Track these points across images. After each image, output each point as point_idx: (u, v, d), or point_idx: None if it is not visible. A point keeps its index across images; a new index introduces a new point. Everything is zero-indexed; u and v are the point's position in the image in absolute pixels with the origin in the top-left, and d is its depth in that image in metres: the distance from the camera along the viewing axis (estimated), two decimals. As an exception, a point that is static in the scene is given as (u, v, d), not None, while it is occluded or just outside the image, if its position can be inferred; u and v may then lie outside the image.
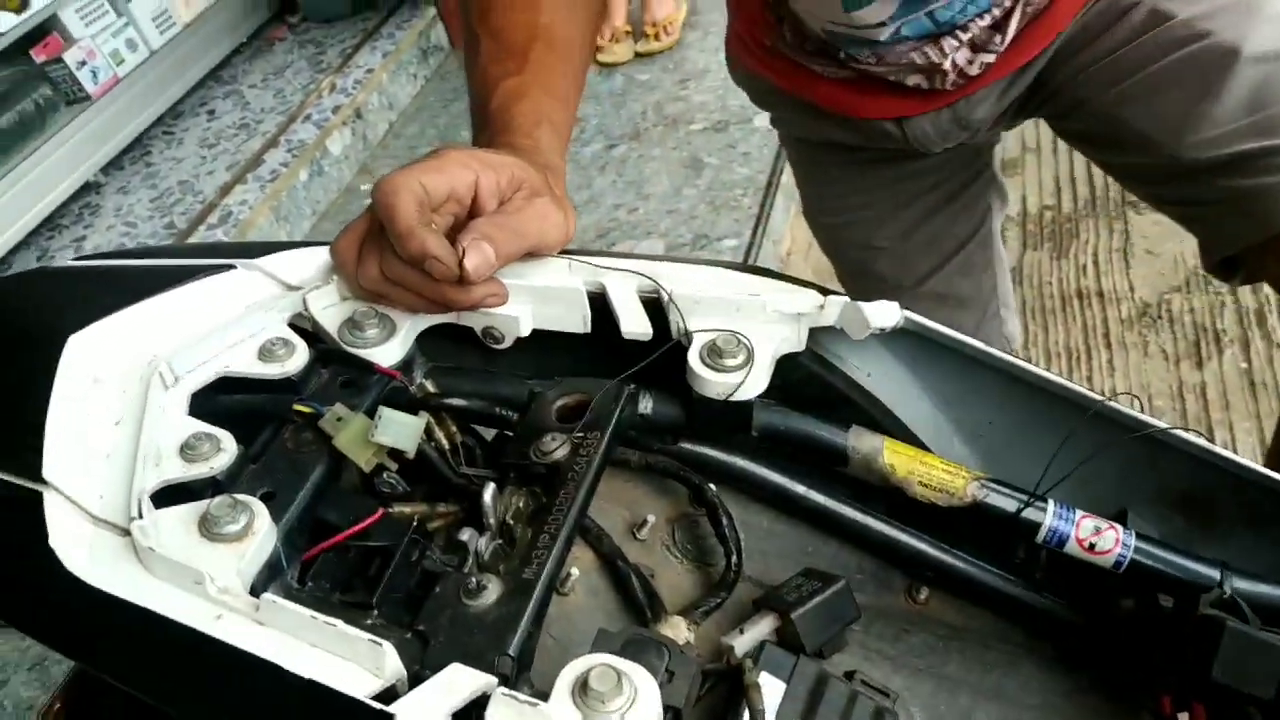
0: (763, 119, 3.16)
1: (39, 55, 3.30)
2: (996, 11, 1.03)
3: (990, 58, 1.06)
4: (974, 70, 1.07)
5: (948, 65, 1.06)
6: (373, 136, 3.66)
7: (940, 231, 1.37)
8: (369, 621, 0.57)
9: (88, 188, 3.43)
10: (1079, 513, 0.69)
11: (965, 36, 1.05)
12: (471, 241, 0.66)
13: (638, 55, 3.76)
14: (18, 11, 3.10)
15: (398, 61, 3.82)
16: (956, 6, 1.02)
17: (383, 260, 0.69)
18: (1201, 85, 1.00)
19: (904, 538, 0.73)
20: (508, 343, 0.73)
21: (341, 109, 3.54)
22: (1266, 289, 2.33)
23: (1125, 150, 1.10)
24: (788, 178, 2.99)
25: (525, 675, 0.56)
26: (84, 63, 3.35)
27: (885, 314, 0.67)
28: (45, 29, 3.28)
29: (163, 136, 3.70)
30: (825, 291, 0.70)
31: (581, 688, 0.50)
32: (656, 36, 3.73)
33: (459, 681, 0.51)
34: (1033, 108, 1.19)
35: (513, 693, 0.49)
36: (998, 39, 1.05)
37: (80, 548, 0.56)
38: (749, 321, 0.69)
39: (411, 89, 3.92)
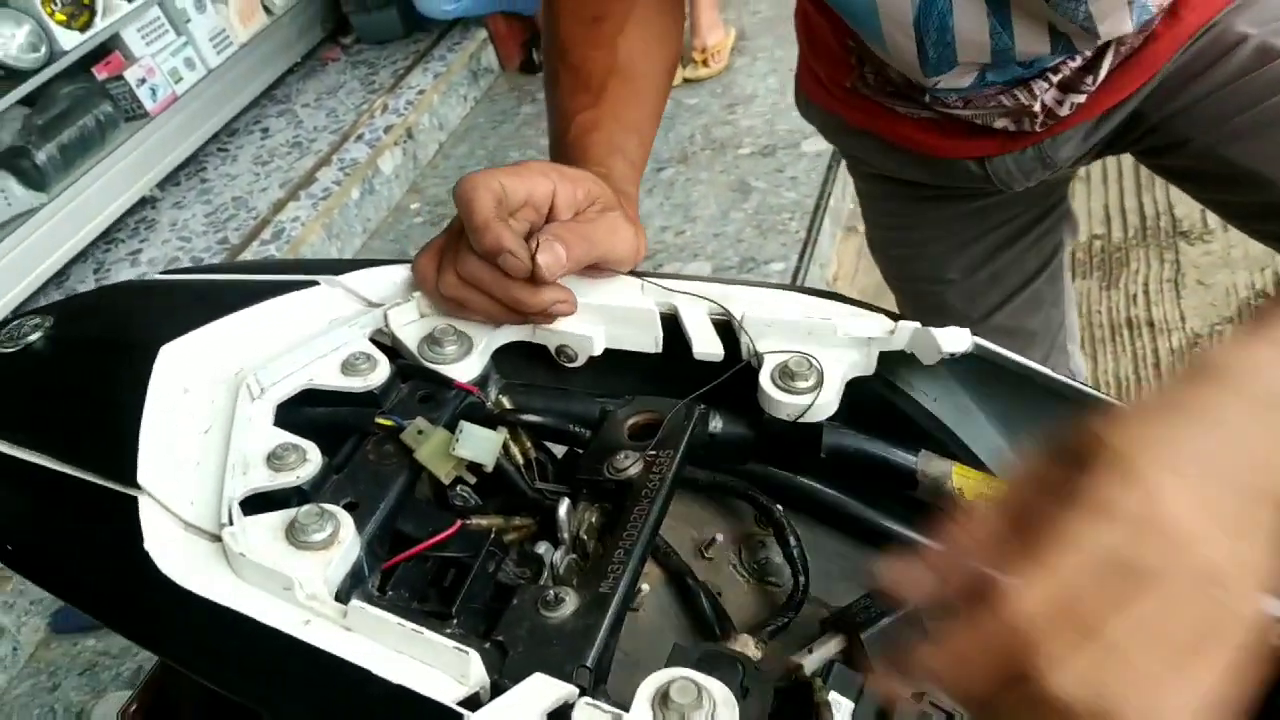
0: (811, 144, 3.18)
1: (100, 72, 3.38)
2: (1088, 52, 1.01)
3: (1081, 98, 1.04)
4: (1064, 111, 1.06)
5: (1037, 107, 1.05)
6: (423, 156, 3.71)
7: (1010, 266, 1.36)
8: (448, 631, 0.58)
9: (144, 202, 3.49)
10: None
11: (1055, 78, 1.03)
12: (545, 240, 0.69)
13: (686, 80, 3.79)
14: (83, 30, 3.18)
15: (448, 83, 3.87)
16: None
17: (459, 263, 0.71)
18: None
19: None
20: (580, 361, 0.74)
21: (393, 129, 3.59)
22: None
23: (1234, 188, 1.08)
24: (835, 202, 3.00)
25: (602, 688, 0.57)
26: (144, 80, 3.43)
27: (956, 339, 0.68)
28: (108, 47, 3.36)
29: (218, 153, 3.76)
30: (895, 316, 0.71)
31: (662, 700, 0.51)
32: (705, 62, 3.76)
33: (542, 690, 0.52)
34: (1123, 144, 1.17)
35: (596, 702, 0.50)
36: (1089, 80, 1.03)
37: (173, 551, 0.58)
38: (819, 345, 0.70)
39: (461, 110, 3.97)
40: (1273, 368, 0.45)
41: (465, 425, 0.65)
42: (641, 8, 0.95)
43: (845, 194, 3.17)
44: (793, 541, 0.70)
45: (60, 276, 3.18)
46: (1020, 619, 0.42)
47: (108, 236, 3.37)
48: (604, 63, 0.90)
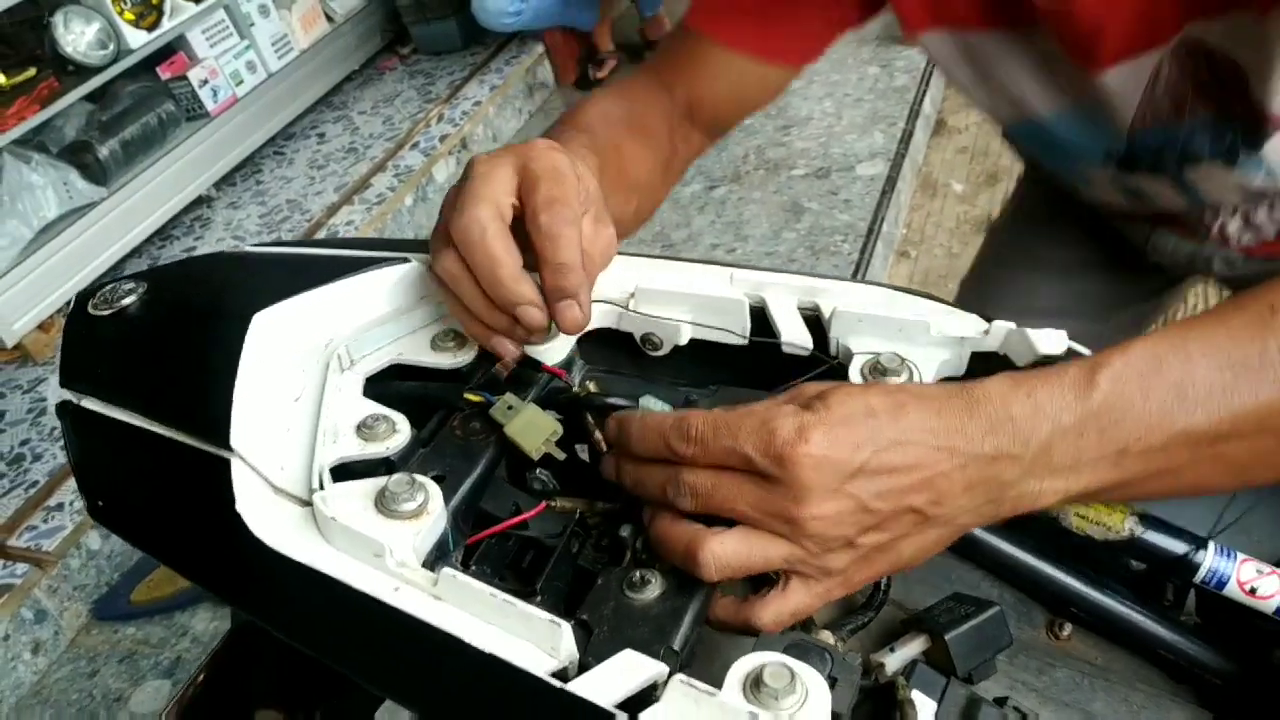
0: (865, 168, 3.17)
1: (165, 72, 3.44)
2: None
3: (1251, 235, 1.03)
4: (1240, 238, 1.04)
5: (1215, 227, 1.04)
6: (476, 166, 3.73)
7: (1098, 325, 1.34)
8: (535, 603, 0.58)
9: (200, 201, 3.55)
10: (1240, 555, 0.68)
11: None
12: (562, 305, 0.64)
13: (740, 100, 3.80)
14: (150, 29, 3.24)
15: (504, 95, 3.90)
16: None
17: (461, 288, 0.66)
18: None
19: (1050, 571, 0.73)
20: (666, 350, 0.74)
21: (448, 138, 3.63)
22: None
23: None
24: (888, 226, 2.99)
25: (689, 669, 0.56)
26: (206, 81, 3.49)
27: (1052, 341, 0.67)
28: (173, 48, 3.43)
29: (274, 156, 3.81)
30: (989, 318, 0.70)
31: (754, 683, 0.51)
32: (760, 83, 3.77)
33: (633, 666, 0.51)
34: None
35: (690, 680, 0.50)
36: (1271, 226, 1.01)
37: (264, 514, 0.58)
38: (911, 343, 0.69)
39: (516, 123, 4.00)
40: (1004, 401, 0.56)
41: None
42: (655, 145, 0.96)
43: (899, 219, 3.16)
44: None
45: (116, 270, 3.23)
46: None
47: (163, 233, 3.42)
48: (600, 149, 0.87)
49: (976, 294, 1.43)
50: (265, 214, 3.47)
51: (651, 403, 0.66)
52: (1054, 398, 0.56)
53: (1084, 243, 1.30)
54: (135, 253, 3.28)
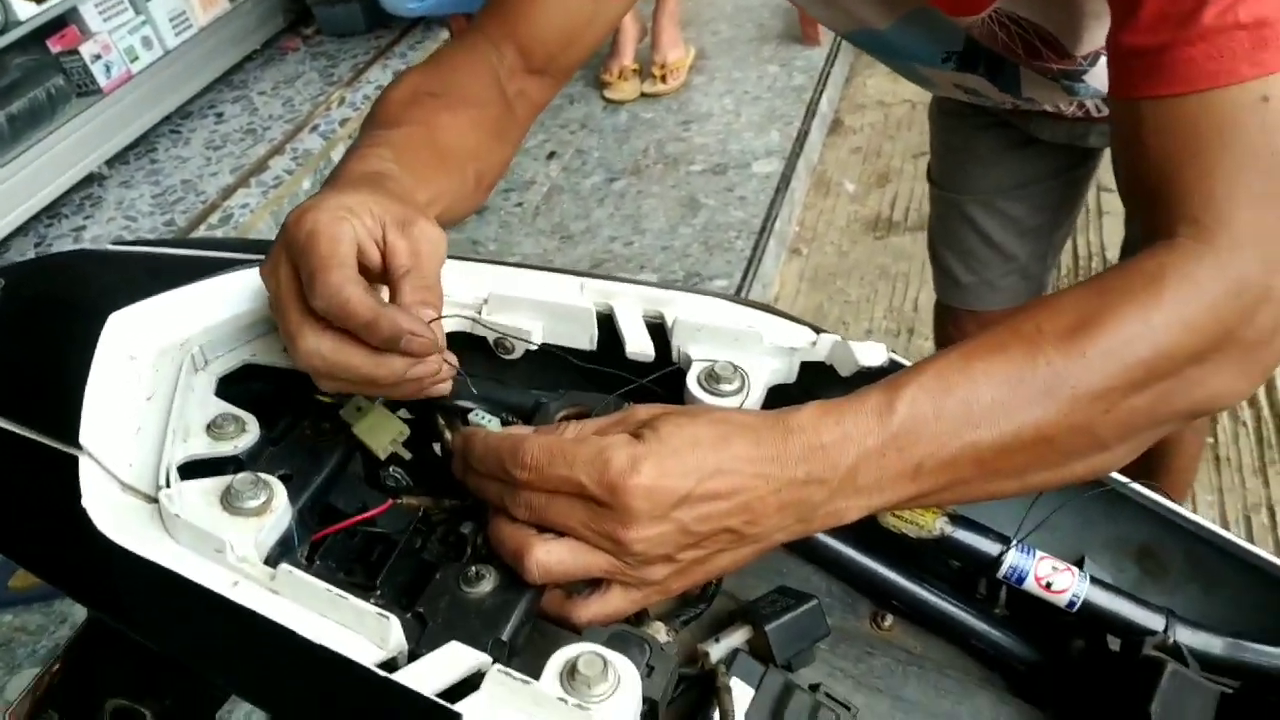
0: (761, 165, 3.24)
1: (55, 45, 3.35)
2: None
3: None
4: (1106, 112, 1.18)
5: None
6: (377, 152, 3.71)
7: (1030, 200, 1.54)
8: (371, 600, 0.61)
9: (91, 179, 3.46)
10: (1039, 553, 0.74)
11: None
12: (417, 312, 0.64)
13: (644, 95, 3.84)
14: (40, 1, 3.15)
15: (377, 96, 3.87)
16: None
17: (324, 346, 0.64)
18: None
19: (874, 566, 0.78)
20: (517, 354, 0.77)
21: (349, 122, 3.60)
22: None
23: None
24: (781, 224, 3.06)
25: (515, 661, 0.60)
26: (99, 56, 3.40)
27: (872, 354, 0.72)
28: (64, 20, 3.33)
29: (169, 135, 3.74)
30: (818, 330, 0.75)
31: (570, 672, 0.54)
32: (663, 79, 3.81)
33: (457, 657, 0.55)
34: None
35: (507, 670, 0.53)
36: None
37: (110, 510, 0.60)
38: (745, 352, 0.74)
39: (419, 108, 3.98)
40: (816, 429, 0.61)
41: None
42: (478, 110, 0.94)
43: (791, 216, 3.23)
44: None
45: (1, 248, 3.14)
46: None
47: (52, 211, 3.33)
48: (417, 129, 0.87)
49: (949, 181, 1.61)
50: (159, 194, 3.41)
51: (480, 418, 0.69)
52: (859, 424, 0.61)
53: (1001, 127, 1.45)
54: (21, 230, 3.19)
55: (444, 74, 0.94)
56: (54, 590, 2.22)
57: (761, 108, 3.61)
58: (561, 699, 0.52)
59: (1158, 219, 0.70)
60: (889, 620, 0.80)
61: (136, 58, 3.53)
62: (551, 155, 3.57)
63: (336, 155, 3.47)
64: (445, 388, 0.68)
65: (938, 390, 0.62)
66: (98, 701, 0.72)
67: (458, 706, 0.52)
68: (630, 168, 3.40)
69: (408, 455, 0.70)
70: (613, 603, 0.62)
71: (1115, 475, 0.76)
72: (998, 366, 0.63)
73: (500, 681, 0.53)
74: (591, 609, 0.62)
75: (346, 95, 3.77)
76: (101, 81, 3.42)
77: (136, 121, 3.56)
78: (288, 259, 0.64)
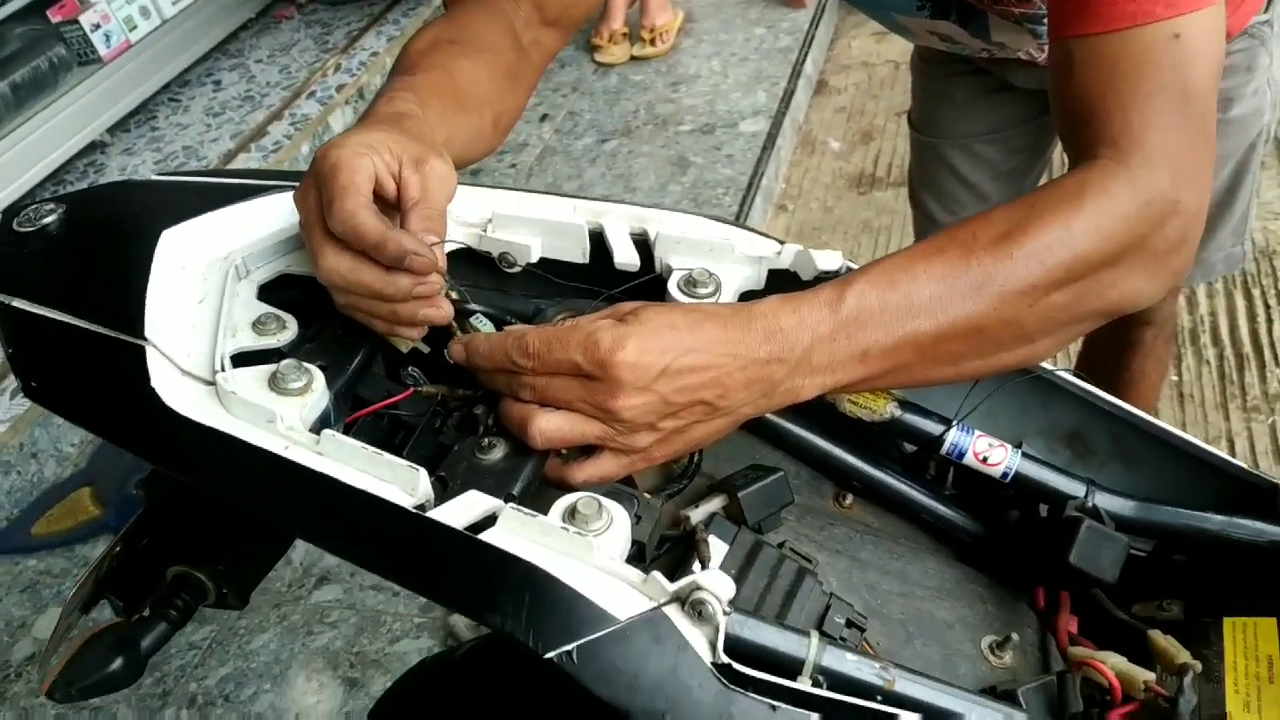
0: (748, 125, 3.33)
1: (55, 15, 3.42)
2: None
3: None
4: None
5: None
6: (373, 117, 3.79)
7: (1002, 144, 1.63)
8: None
9: (93, 147, 3.54)
10: (977, 432, 0.84)
11: None
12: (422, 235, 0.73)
13: (633, 58, 3.92)
14: (39, -29, 3.22)
15: (401, 46, 3.95)
16: None
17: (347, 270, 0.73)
18: None
19: (836, 451, 0.89)
20: (519, 267, 0.87)
21: (345, 88, 3.68)
22: (1202, 310, 2.51)
23: None
24: (767, 181, 3.15)
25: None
26: (98, 26, 3.48)
27: (830, 260, 0.82)
28: (64, -10, 3.41)
29: (169, 103, 3.82)
30: (782, 241, 0.85)
31: (570, 513, 0.65)
32: (653, 42, 3.89)
33: (476, 501, 0.66)
34: None
35: (519, 507, 0.64)
36: None
37: (175, 390, 0.71)
38: (719, 261, 0.84)
39: (412, 74, 4.05)
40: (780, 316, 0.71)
41: None
42: (493, 55, 1.02)
43: (778, 174, 3.33)
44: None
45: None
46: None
47: (56, 178, 3.41)
48: (433, 66, 0.95)
49: (928, 126, 1.71)
50: (160, 160, 3.49)
51: (479, 322, 0.79)
52: (814, 312, 0.72)
53: (977, 74, 1.55)
54: (27, 198, 3.28)
55: (462, 24, 1.03)
56: (75, 536, 2.33)
57: (748, 69, 3.70)
58: (564, 529, 0.63)
59: (1082, 143, 0.81)
60: (849, 499, 0.91)
61: (135, 27, 3.61)
62: (544, 118, 3.65)
63: (334, 120, 3.56)
64: (442, 313, 0.76)
65: (883, 285, 0.72)
66: (159, 571, 0.83)
67: (480, 536, 0.63)
68: (621, 129, 3.49)
69: (426, 349, 0.80)
70: (604, 466, 0.73)
71: (1048, 365, 0.86)
72: (936, 266, 0.73)
73: (514, 516, 0.64)
74: (586, 470, 0.73)
75: (342, 62, 3.85)
76: (101, 50, 3.49)
77: (136, 90, 3.64)
78: (315, 187, 0.74)
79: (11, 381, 2.63)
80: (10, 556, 2.38)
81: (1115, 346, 1.76)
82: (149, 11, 3.66)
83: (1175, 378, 2.42)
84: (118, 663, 0.76)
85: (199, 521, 0.81)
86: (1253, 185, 1.51)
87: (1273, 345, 2.47)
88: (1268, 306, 2.57)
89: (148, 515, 0.87)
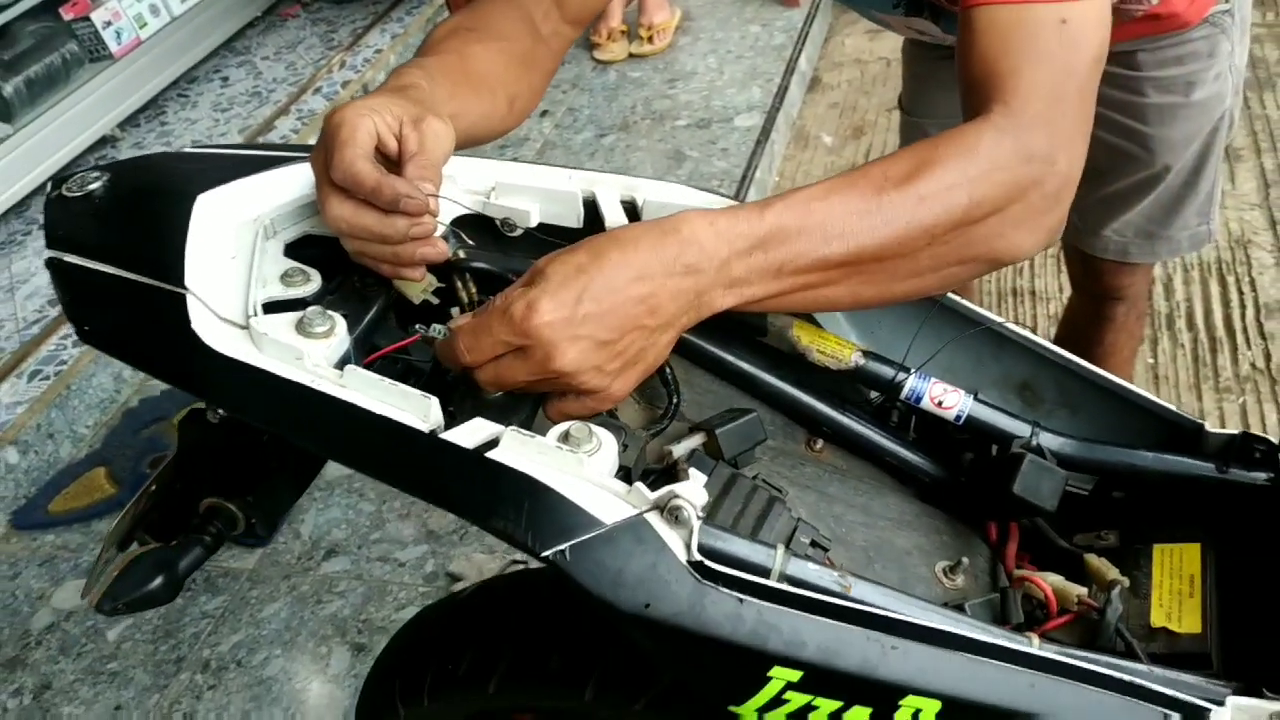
0: (743, 120, 3.42)
1: (68, 13, 3.52)
2: None
3: None
4: None
5: None
6: (377, 112, 3.88)
7: None
8: (414, 400, 0.80)
9: (105, 141, 3.64)
10: (934, 379, 0.93)
11: None
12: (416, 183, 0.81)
13: (631, 55, 4.01)
14: (53, -31, 3.31)
15: (405, 44, 4.05)
16: None
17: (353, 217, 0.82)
18: None
19: (808, 399, 0.97)
20: (519, 232, 0.96)
21: (350, 84, 3.77)
22: (1179, 296, 2.60)
23: None
24: (761, 173, 3.24)
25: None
26: (109, 23, 3.58)
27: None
28: (76, -12, 3.50)
29: (178, 99, 3.91)
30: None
31: (564, 436, 0.74)
32: (650, 40, 3.98)
33: (482, 426, 0.74)
34: None
35: (519, 430, 0.73)
36: None
37: (213, 332, 0.79)
38: (700, 224, 0.93)
39: (415, 71, 4.14)
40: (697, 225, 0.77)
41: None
42: (507, 42, 1.09)
43: (772, 168, 3.42)
44: (669, 371, 0.92)
45: (21, 206, 3.32)
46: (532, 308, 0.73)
47: (68, 171, 3.49)
48: (449, 49, 1.03)
49: (915, 106, 1.81)
50: (170, 154, 3.58)
51: (434, 331, 0.82)
52: (732, 226, 0.78)
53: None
54: (41, 189, 3.37)
55: (481, 15, 1.11)
56: (91, 512, 2.42)
57: (744, 66, 3.79)
58: (559, 448, 0.72)
59: (978, 101, 0.89)
60: (820, 444, 0.99)
61: (145, 24, 3.70)
62: (544, 113, 3.75)
63: (339, 115, 3.64)
64: (438, 250, 0.85)
65: (801, 211, 0.80)
66: (192, 505, 0.92)
67: (486, 455, 0.72)
68: (619, 124, 3.58)
69: (436, 301, 0.89)
70: (571, 406, 0.80)
71: (997, 317, 0.95)
72: (851, 199, 0.81)
73: (515, 437, 0.73)
74: (555, 408, 0.81)
75: (347, 59, 3.94)
76: (112, 47, 3.59)
77: (146, 85, 3.74)
78: (323, 145, 0.83)
79: (29, 364, 2.72)
80: (29, 532, 2.47)
81: (1089, 321, 1.85)
82: (159, 9, 3.75)
83: (1151, 360, 2.51)
84: (158, 581, 0.85)
85: (229, 459, 0.90)
86: (1217, 166, 1.60)
87: (1245, 330, 2.56)
88: (1240, 293, 2.66)
89: (181, 456, 0.96)
